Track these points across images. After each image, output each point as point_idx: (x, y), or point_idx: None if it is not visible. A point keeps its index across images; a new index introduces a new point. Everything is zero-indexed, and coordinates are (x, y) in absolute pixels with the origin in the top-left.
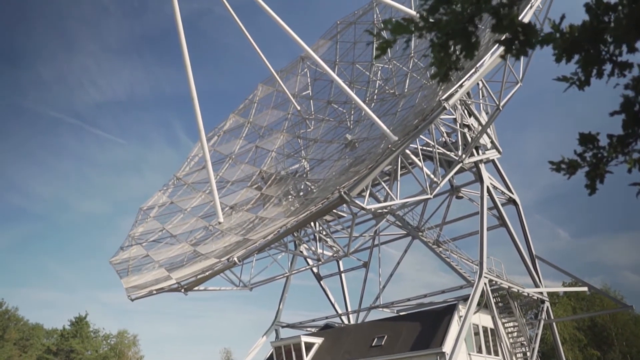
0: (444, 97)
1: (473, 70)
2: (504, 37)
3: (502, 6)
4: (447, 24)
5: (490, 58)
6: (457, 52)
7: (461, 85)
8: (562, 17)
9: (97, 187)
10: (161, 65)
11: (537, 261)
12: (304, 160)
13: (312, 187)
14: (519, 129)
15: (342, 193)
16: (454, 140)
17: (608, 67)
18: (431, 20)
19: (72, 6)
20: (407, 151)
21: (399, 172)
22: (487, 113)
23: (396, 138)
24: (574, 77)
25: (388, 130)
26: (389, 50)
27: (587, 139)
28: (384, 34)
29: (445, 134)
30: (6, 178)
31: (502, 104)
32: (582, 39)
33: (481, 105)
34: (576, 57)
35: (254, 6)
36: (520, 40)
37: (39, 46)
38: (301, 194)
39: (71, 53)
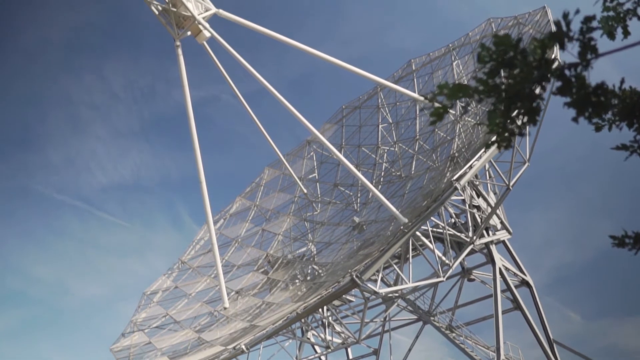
0: (454, 178)
1: (483, 150)
2: (571, 100)
3: (569, 67)
4: (511, 87)
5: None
6: (522, 118)
7: (471, 166)
8: (622, 81)
9: (99, 271)
10: (168, 149)
11: (555, 346)
12: (310, 244)
13: (320, 271)
14: (524, 210)
15: (354, 277)
16: (463, 222)
17: None
18: (490, 83)
19: (84, 93)
20: (417, 233)
21: (410, 254)
22: (495, 193)
23: (406, 220)
24: (634, 144)
25: (397, 212)
26: (393, 132)
27: None
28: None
29: (454, 215)
30: (6, 260)
31: (511, 183)
32: None
33: (488, 185)
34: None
35: (258, 93)
36: (593, 102)
37: (50, 130)
38: (308, 278)
39: (81, 137)
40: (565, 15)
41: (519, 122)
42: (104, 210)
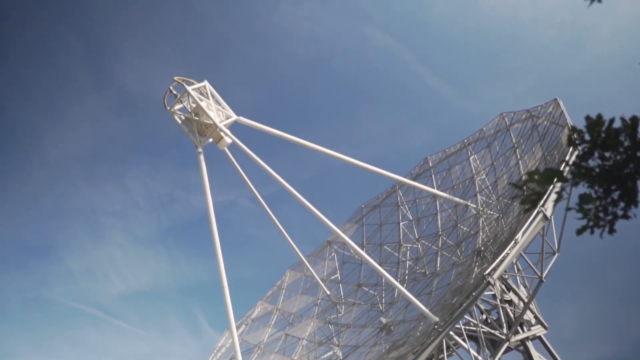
0: (487, 272)
1: (513, 242)
2: None
3: None
4: (612, 169)
5: (530, 227)
6: (622, 202)
7: (502, 259)
8: None
9: None
10: (185, 255)
11: None
12: (336, 348)
13: None
14: (552, 301)
15: None
16: (494, 318)
17: None
18: (584, 167)
19: (105, 202)
20: (450, 332)
21: (445, 354)
22: (525, 286)
23: (437, 319)
24: None
25: (427, 311)
26: (414, 229)
27: None
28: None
29: (485, 312)
30: None
31: (544, 275)
32: None
33: (517, 278)
34: None
35: (275, 196)
36: None
37: (70, 239)
38: None
39: (100, 245)
40: None
41: (621, 206)
42: (122, 319)
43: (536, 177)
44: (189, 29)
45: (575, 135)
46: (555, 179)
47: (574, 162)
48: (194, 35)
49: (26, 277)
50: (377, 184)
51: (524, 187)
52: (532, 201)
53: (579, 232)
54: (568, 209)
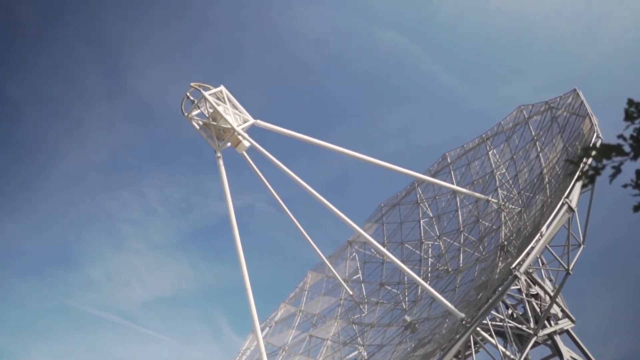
0: (513, 266)
1: (538, 235)
2: None
3: None
4: None
5: (555, 219)
6: None
7: (528, 253)
8: None
9: None
10: (205, 260)
11: None
12: (361, 348)
13: None
14: (576, 295)
15: None
16: (520, 313)
17: None
18: None
19: (123, 210)
20: (478, 327)
21: (473, 350)
22: (550, 280)
23: (463, 315)
24: None
25: (453, 308)
26: (435, 226)
27: None
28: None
29: (510, 306)
30: None
31: (570, 267)
32: None
33: (542, 272)
34: None
35: (293, 198)
36: None
37: (89, 248)
38: None
39: (120, 253)
40: None
41: None
42: (144, 325)
43: (594, 152)
44: (201, 35)
45: (632, 109)
46: (614, 153)
47: (632, 136)
48: (206, 40)
49: (47, 286)
50: (395, 182)
51: (581, 164)
52: (590, 177)
53: (636, 208)
54: (624, 185)
